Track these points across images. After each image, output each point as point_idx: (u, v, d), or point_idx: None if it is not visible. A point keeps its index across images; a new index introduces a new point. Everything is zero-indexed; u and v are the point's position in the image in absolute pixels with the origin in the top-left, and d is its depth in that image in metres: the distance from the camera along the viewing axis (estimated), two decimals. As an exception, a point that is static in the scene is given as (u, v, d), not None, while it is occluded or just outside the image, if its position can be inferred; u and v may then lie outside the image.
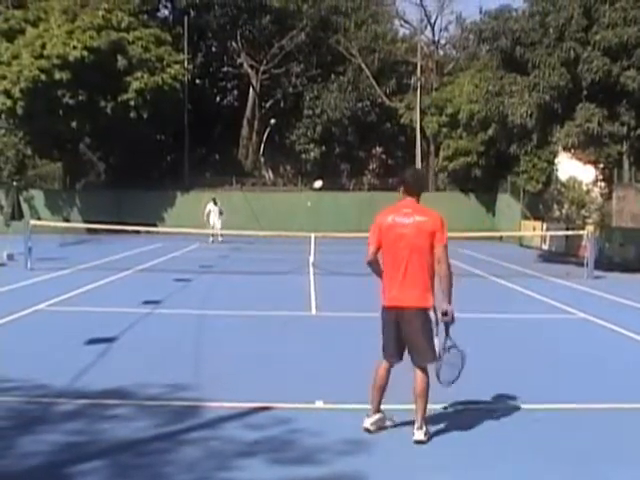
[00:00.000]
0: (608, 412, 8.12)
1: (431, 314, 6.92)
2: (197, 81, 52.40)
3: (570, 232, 29.49)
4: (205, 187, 44.10)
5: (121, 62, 40.25)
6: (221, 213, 36.37)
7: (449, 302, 6.90)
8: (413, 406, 7.52)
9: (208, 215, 36.27)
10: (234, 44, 52.76)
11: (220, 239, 35.04)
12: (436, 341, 6.95)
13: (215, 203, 36.73)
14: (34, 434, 7.01)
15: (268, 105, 53.67)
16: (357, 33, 51.19)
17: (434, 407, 7.91)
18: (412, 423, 7.29)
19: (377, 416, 7.22)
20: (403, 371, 7.16)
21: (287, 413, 7.73)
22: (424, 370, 7.00)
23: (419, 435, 6.91)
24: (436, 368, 7.05)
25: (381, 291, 7.11)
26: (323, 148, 51.01)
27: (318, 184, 45.64)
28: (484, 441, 7.05)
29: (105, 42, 39.55)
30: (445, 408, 7.93)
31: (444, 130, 43.35)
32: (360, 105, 50.65)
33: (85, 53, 38.55)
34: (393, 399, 7.26)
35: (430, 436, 6.98)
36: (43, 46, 38.81)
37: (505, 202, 41.49)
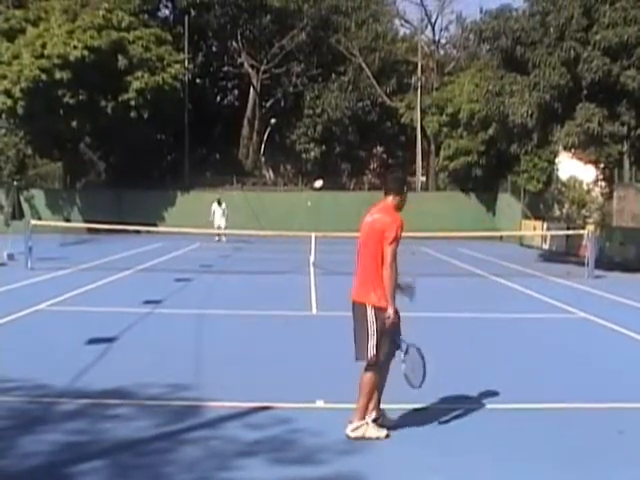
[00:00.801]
0: (609, 412, 8.11)
1: (369, 313, 6.91)
2: (197, 81, 52.41)
3: (571, 232, 29.46)
4: (205, 187, 44.16)
5: (121, 62, 40.23)
6: (224, 214, 36.41)
7: (390, 304, 6.86)
8: (411, 405, 7.55)
9: (213, 215, 36.40)
10: (234, 44, 52.78)
11: (224, 239, 35.07)
12: (371, 342, 6.89)
13: (220, 204, 36.82)
14: (35, 434, 7.02)
15: (268, 105, 53.69)
16: (358, 33, 51.19)
17: (437, 407, 7.93)
18: (410, 423, 7.31)
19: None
20: (397, 372, 7.17)
21: (287, 413, 7.73)
22: (371, 369, 6.96)
23: (347, 429, 6.97)
24: (404, 374, 7.11)
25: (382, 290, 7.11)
26: (323, 148, 51.04)
27: (318, 184, 45.65)
28: (483, 441, 7.04)
29: (106, 42, 39.52)
30: (440, 408, 7.91)
31: (444, 130, 43.33)
32: (360, 105, 50.70)
33: (85, 53, 38.51)
34: (389, 398, 7.25)
35: (360, 434, 6.92)
36: (43, 46, 38.77)
37: (506, 202, 41.47)
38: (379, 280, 6.89)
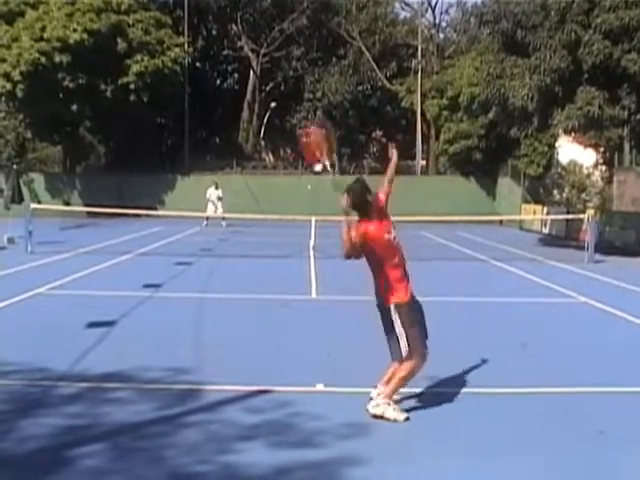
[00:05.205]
0: (609, 395, 8.12)
1: (392, 311, 7.08)
2: (197, 64, 52.18)
3: (571, 216, 29.43)
4: (205, 170, 44.08)
5: (121, 45, 40.08)
6: (220, 198, 36.35)
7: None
8: (412, 390, 7.56)
9: (209, 200, 36.34)
10: (235, 27, 52.63)
11: (224, 223, 34.98)
12: (402, 342, 7.04)
13: (217, 187, 36.76)
14: (34, 417, 7.03)
15: (268, 88, 53.56)
16: (358, 15, 51.00)
17: (437, 390, 7.93)
18: (412, 408, 7.32)
19: None
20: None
21: (287, 396, 7.73)
22: (410, 357, 7.08)
23: (369, 404, 7.06)
24: None
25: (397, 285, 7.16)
26: (323, 132, 50.89)
27: (318, 168, 45.54)
28: (484, 426, 7.04)
29: (105, 25, 39.34)
30: (439, 392, 7.92)
31: (445, 113, 43.23)
32: (361, 88, 50.59)
33: (85, 36, 38.33)
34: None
35: (379, 415, 6.99)
36: (43, 29, 38.61)
37: (506, 186, 41.41)
38: (388, 280, 7.07)
